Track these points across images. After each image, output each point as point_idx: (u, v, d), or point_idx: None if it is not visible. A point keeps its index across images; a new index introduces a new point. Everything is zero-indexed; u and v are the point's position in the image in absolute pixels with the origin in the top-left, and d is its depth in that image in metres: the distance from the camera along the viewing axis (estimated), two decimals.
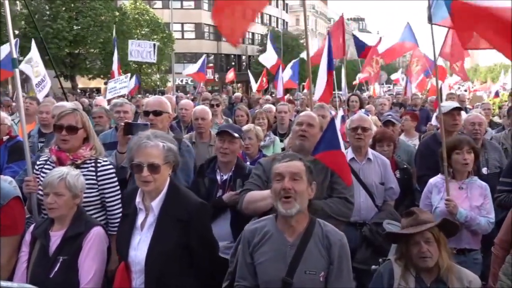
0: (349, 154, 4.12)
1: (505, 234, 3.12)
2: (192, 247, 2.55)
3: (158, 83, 32.26)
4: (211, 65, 34.93)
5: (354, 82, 16.25)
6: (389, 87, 34.06)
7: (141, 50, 10.43)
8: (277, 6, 53.22)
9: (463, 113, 5.04)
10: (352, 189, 3.31)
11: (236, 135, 3.59)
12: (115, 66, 9.25)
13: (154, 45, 10.67)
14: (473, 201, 3.58)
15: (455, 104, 4.74)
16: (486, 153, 4.63)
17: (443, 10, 3.73)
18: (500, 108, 10.55)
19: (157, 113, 3.81)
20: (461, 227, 3.44)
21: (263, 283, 2.40)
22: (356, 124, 4.09)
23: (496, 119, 9.13)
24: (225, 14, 4.24)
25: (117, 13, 27.89)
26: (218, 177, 3.60)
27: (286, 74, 12.09)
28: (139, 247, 2.51)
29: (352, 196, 3.26)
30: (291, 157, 2.51)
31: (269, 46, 13.38)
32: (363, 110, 7.64)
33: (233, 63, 45.54)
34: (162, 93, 25.85)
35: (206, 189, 3.54)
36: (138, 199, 2.59)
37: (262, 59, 13.45)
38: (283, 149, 5.19)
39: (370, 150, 4.16)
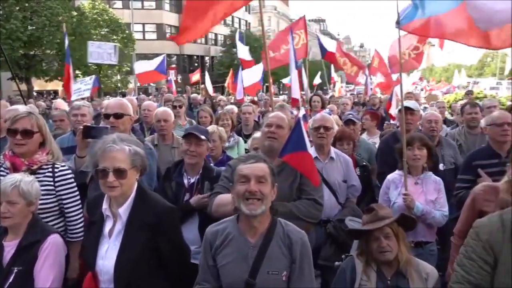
0: (312, 153, 4.19)
1: (462, 224, 3.27)
2: (162, 251, 2.50)
3: (119, 84, 31.53)
4: (173, 66, 34.50)
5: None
6: (349, 87, 34.83)
7: (101, 51, 10.10)
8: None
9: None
10: (321, 190, 3.34)
11: (203, 137, 3.55)
12: (70, 66, 8.86)
13: (115, 46, 10.34)
14: (428, 196, 3.74)
15: (407, 104, 4.91)
16: (442, 150, 4.83)
17: (410, 16, 3.87)
18: (449, 107, 11.00)
19: (118, 116, 3.72)
20: (418, 220, 3.58)
21: (226, 285, 2.40)
22: (319, 124, 4.16)
23: (448, 116, 9.52)
24: (195, 15, 4.23)
25: (74, 13, 27.05)
26: (185, 181, 3.55)
27: (255, 76, 12.08)
28: (107, 255, 2.43)
29: (321, 197, 3.29)
30: (256, 158, 2.48)
31: (240, 45, 13.31)
32: (326, 110, 7.77)
33: (196, 64, 45.21)
34: (123, 95, 25.29)
35: (173, 193, 3.49)
36: (104, 205, 2.50)
37: (241, 54, 13.31)
38: (247, 150, 5.21)
39: (332, 149, 4.24)
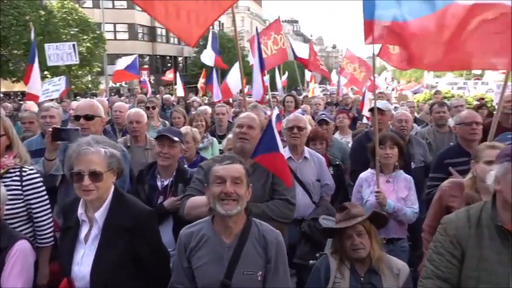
0: (286, 153, 4.22)
1: (431, 219, 3.36)
2: (141, 255, 2.46)
3: (89, 85, 30.86)
4: (146, 66, 34.02)
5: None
6: (324, 87, 35.26)
7: (60, 53, 9.80)
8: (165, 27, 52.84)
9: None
10: (293, 190, 3.34)
11: (176, 139, 3.51)
12: (33, 66, 8.56)
13: (73, 45, 10.00)
14: (399, 193, 3.82)
15: (378, 104, 5.01)
16: (412, 148, 4.95)
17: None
18: (417, 106, 11.29)
19: (89, 117, 3.65)
20: (389, 218, 3.66)
21: (202, 286, 2.38)
22: (292, 124, 4.20)
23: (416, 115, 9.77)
24: (172, 17, 4.18)
25: (42, 12, 26.31)
26: (159, 183, 3.51)
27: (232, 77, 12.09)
28: (83, 261, 2.37)
29: (294, 197, 3.30)
30: (231, 159, 2.47)
31: (209, 45, 13.25)
32: (299, 110, 7.84)
33: (169, 65, 44.75)
34: (94, 96, 24.79)
35: (146, 196, 3.43)
36: (80, 210, 2.43)
37: (204, 58, 13.25)
38: (221, 150, 5.19)
39: (306, 149, 4.28)
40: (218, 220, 2.44)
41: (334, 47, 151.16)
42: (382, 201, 3.69)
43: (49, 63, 9.87)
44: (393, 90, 26.39)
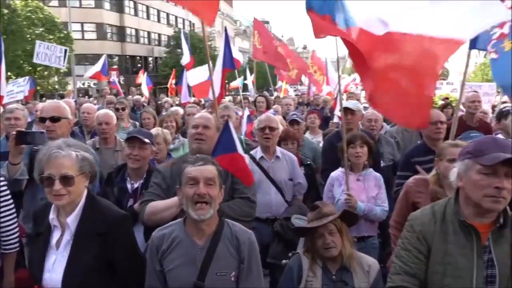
0: (258, 153, 4.24)
1: (397, 215, 3.44)
2: (116, 260, 2.40)
3: (56, 86, 30.01)
4: (115, 67, 33.37)
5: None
6: (296, 87, 35.51)
7: (50, 53, 9.58)
8: (183, 7, 52.51)
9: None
10: (253, 188, 3.31)
11: (147, 140, 3.45)
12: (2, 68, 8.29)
13: (66, 50, 9.82)
14: (370, 192, 3.90)
15: (348, 104, 5.11)
16: (381, 147, 5.06)
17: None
18: None
19: (55, 119, 3.55)
20: (361, 217, 3.73)
21: None
22: (264, 124, 4.22)
23: None
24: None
25: (5, 11, 25.40)
26: (129, 186, 3.43)
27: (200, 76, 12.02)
28: (55, 268, 2.30)
29: (254, 195, 3.26)
30: (204, 160, 2.44)
31: (184, 45, 13.16)
32: (271, 110, 7.89)
33: (139, 65, 44.06)
34: (62, 97, 24.11)
35: (115, 199, 3.34)
36: (52, 215, 2.36)
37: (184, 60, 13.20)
38: None
39: (278, 148, 4.31)
40: (190, 222, 2.42)
41: (305, 47, 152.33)
42: (354, 205, 3.73)
43: (36, 60, 9.70)
44: (362, 90, 26.86)
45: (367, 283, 2.75)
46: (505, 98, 9.93)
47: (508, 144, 2.11)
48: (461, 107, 7.48)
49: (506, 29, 4.40)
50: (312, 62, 13.39)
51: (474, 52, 4.60)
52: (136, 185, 3.43)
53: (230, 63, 6.43)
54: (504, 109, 6.10)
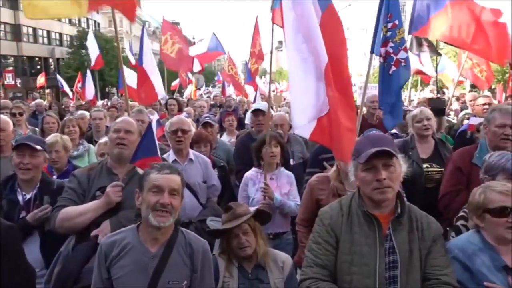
0: (170, 156, 4.16)
1: (303, 213, 3.60)
2: (1, 275, 2.20)
3: None
4: (11, 68, 30.60)
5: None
6: (208, 89, 35.48)
7: None
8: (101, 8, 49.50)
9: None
10: None
11: (38, 147, 3.22)
12: None
13: None
14: (282, 189, 4.04)
15: (258, 106, 5.25)
16: (291, 146, 5.25)
17: None
18: None
19: None
20: (275, 212, 3.84)
21: None
22: (176, 127, 4.15)
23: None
24: None
25: None
26: (20, 197, 3.18)
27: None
28: None
29: None
30: (170, 169, 2.40)
31: (94, 45, 12.41)
32: (184, 113, 7.78)
33: (38, 67, 40.78)
34: None
35: (5, 212, 3.07)
36: None
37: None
38: None
39: (191, 151, 4.27)
40: (144, 229, 2.36)
41: None
42: (270, 195, 3.84)
43: None
44: (273, 91, 27.67)
45: (281, 278, 2.83)
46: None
47: (381, 138, 2.35)
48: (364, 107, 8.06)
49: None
50: (230, 64, 13.47)
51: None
52: (28, 196, 3.19)
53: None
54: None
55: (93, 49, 12.54)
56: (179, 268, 2.35)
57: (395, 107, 4.80)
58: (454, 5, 5.77)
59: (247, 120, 7.93)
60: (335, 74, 3.29)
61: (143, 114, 5.74)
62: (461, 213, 2.82)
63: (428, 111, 4.48)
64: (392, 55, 4.59)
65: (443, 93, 14.61)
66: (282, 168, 4.16)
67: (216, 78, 21.89)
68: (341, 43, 3.50)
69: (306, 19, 3.35)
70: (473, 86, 15.11)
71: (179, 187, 2.38)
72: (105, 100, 21.18)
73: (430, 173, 4.17)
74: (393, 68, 4.63)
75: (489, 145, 3.45)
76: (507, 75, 13.70)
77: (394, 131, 5.80)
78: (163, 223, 2.30)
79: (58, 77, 15.86)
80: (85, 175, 3.04)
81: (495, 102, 7.78)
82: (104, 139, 4.14)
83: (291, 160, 5.06)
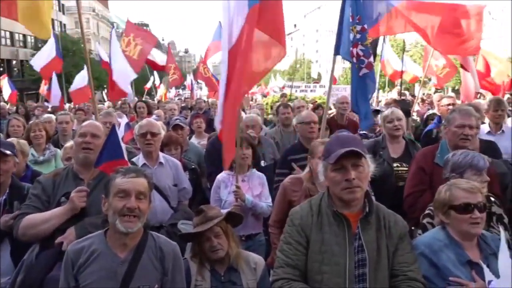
0: (140, 160, 4.10)
1: (276, 214, 3.62)
2: None
3: None
4: None
5: None
6: (179, 91, 35.14)
7: None
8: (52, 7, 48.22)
9: None
10: None
11: (8, 152, 3.17)
12: None
13: None
14: (254, 191, 4.05)
15: None
16: (262, 148, 5.27)
17: None
18: (271, 107, 12.07)
19: None
20: (247, 214, 3.84)
21: None
22: (145, 130, 4.09)
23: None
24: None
25: None
26: None
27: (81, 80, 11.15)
28: None
29: None
30: (137, 172, 2.35)
31: (47, 47, 11.89)
32: (153, 116, 7.68)
33: (1, 69, 39.29)
34: None
35: None
36: None
37: (36, 61, 11.86)
38: None
39: (161, 154, 4.22)
40: (112, 234, 2.31)
41: (186, 51, 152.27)
42: (241, 197, 3.84)
43: None
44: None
45: (254, 279, 2.83)
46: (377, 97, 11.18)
47: (350, 138, 2.40)
48: (332, 107, 8.19)
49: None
50: (205, 66, 13.37)
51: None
52: None
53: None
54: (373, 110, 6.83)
55: (46, 53, 11.88)
56: (149, 272, 2.32)
57: (368, 111, 4.91)
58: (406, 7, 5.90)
59: None
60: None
61: (112, 116, 5.62)
62: (427, 211, 2.90)
63: (399, 112, 4.59)
64: (363, 58, 4.68)
65: (411, 95, 15.03)
66: (254, 170, 4.17)
67: (185, 83, 21.66)
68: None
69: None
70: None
71: (146, 190, 2.35)
72: (72, 103, 20.67)
73: (400, 172, 4.27)
74: (365, 70, 4.73)
75: (449, 145, 3.56)
76: None
77: (363, 131, 5.92)
78: (130, 228, 2.27)
79: (6, 80, 15.21)
80: (50, 181, 2.98)
81: (458, 102, 8.04)
82: (70, 143, 4.04)
83: (263, 161, 5.08)
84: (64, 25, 50.39)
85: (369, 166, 2.33)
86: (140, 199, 2.31)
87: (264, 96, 20.00)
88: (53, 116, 6.99)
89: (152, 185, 2.44)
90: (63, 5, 54.95)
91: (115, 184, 2.31)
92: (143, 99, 12.93)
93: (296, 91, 15.72)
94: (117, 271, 2.27)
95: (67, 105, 14.18)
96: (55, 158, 5.02)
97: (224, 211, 3.02)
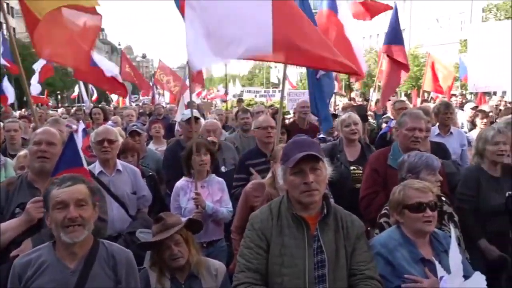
0: (97, 167, 3.98)
1: (238, 220, 3.62)
2: None
3: None
4: None
5: None
6: (136, 97, 34.51)
7: None
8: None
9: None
10: (103, 205, 3.14)
11: None
12: None
13: None
14: (214, 196, 4.03)
15: (189, 113, 5.21)
16: (222, 153, 5.26)
17: None
18: (231, 112, 12.10)
19: None
20: (207, 221, 3.81)
21: None
22: (102, 137, 3.98)
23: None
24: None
25: None
26: None
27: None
28: None
29: (105, 213, 3.11)
30: (73, 180, 2.27)
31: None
32: (110, 122, 7.48)
33: None
34: None
35: None
36: None
37: None
38: None
39: (118, 161, 4.11)
40: (60, 245, 2.23)
41: (144, 56, 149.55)
42: (201, 203, 3.81)
43: None
44: (204, 98, 27.60)
45: (215, 286, 2.82)
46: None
47: (307, 142, 2.46)
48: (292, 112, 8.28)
49: None
50: (162, 72, 13.17)
51: None
52: None
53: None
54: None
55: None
56: (102, 281, 2.26)
57: (328, 113, 5.00)
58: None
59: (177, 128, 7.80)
60: None
61: (60, 124, 5.41)
62: (383, 211, 3.00)
63: (356, 117, 4.72)
64: None
65: (365, 99, 15.47)
66: (213, 175, 4.15)
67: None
68: None
69: None
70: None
71: (86, 196, 2.27)
72: (23, 110, 19.76)
73: (356, 174, 4.39)
74: (321, 72, 4.79)
75: (400, 147, 3.71)
76: (421, 81, 14.87)
77: (321, 135, 6.04)
78: (76, 238, 2.20)
79: None
80: (3, 191, 2.86)
81: (410, 106, 8.37)
82: (23, 151, 3.87)
83: (223, 167, 5.07)
84: (14, 28, 48.13)
85: (327, 169, 2.38)
86: (81, 206, 2.23)
87: (224, 101, 20.02)
88: (1, 124, 6.66)
89: (94, 189, 2.38)
90: (12, 8, 52.50)
91: (52, 196, 2.23)
92: (99, 105, 12.58)
93: (255, 96, 15.81)
94: (68, 282, 2.20)
95: (17, 112, 13.57)
96: (5, 167, 4.76)
97: (183, 219, 2.99)
